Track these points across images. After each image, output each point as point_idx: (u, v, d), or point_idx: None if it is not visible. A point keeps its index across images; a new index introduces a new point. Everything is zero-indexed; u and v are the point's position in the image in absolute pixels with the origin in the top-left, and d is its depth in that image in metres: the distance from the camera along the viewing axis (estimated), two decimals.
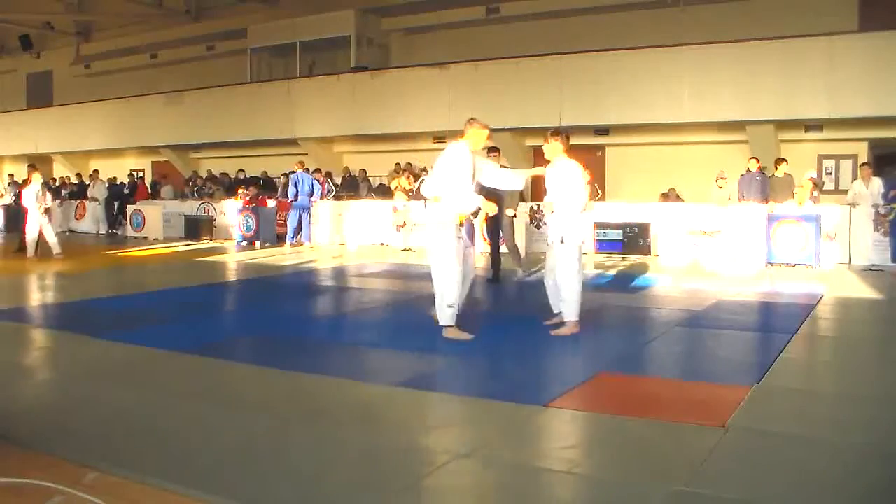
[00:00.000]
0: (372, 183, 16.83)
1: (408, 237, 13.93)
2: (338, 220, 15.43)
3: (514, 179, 6.47)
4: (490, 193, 9.06)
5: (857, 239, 11.20)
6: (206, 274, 10.82)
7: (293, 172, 14.95)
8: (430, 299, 8.37)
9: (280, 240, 15.42)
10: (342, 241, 15.22)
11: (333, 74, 17.47)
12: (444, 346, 5.65)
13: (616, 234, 12.24)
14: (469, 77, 15.50)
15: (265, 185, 17.27)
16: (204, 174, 19.58)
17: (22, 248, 12.79)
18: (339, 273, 10.74)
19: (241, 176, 18.37)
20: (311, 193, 14.60)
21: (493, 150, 9.35)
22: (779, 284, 9.21)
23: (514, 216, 9.27)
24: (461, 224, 5.78)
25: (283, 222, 15.92)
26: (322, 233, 15.35)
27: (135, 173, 20.83)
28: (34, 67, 24.20)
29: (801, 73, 12.46)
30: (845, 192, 12.16)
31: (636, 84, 13.70)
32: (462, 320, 5.77)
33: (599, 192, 13.44)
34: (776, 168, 11.91)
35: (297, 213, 14.61)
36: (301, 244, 14.72)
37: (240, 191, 16.43)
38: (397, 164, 16.72)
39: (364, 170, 17.00)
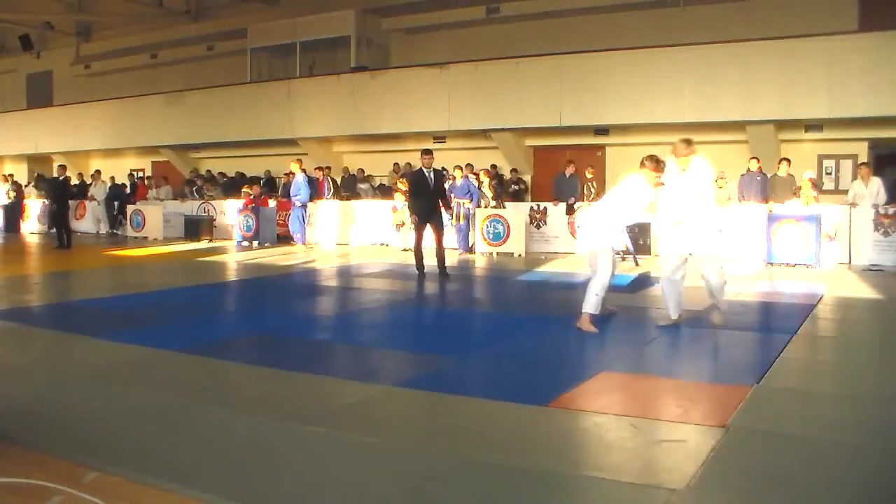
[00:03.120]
0: (372, 183, 16.83)
1: (407, 237, 13.93)
2: (341, 220, 15.49)
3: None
4: (420, 196, 9.51)
5: (857, 239, 11.19)
6: (206, 274, 10.82)
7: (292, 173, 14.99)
8: (432, 299, 8.39)
9: (281, 240, 15.47)
10: (343, 240, 15.28)
11: (333, 74, 17.44)
12: (444, 346, 5.65)
13: None
14: (469, 77, 15.49)
15: (267, 185, 17.32)
16: (204, 174, 19.57)
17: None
18: (339, 273, 10.74)
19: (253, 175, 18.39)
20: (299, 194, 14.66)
21: (426, 152, 9.83)
22: (779, 284, 9.21)
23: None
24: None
25: (282, 222, 15.94)
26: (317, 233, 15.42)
27: (134, 173, 20.82)
28: (34, 67, 24.17)
29: (801, 73, 12.44)
30: (845, 192, 12.17)
31: (636, 84, 13.69)
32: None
33: (593, 190, 13.48)
34: (778, 167, 11.93)
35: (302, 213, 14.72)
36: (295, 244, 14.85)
37: (244, 190, 16.45)
38: (396, 163, 16.72)
39: (362, 169, 16.98)
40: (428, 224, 9.71)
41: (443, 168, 12.85)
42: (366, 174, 16.85)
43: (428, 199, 9.66)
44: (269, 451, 3.31)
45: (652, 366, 5.24)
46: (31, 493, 2.77)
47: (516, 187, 15.10)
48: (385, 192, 16.00)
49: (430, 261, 9.69)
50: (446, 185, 11.67)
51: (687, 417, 3.77)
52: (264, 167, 18.49)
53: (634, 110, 13.77)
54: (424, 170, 9.71)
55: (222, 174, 19.07)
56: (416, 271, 9.70)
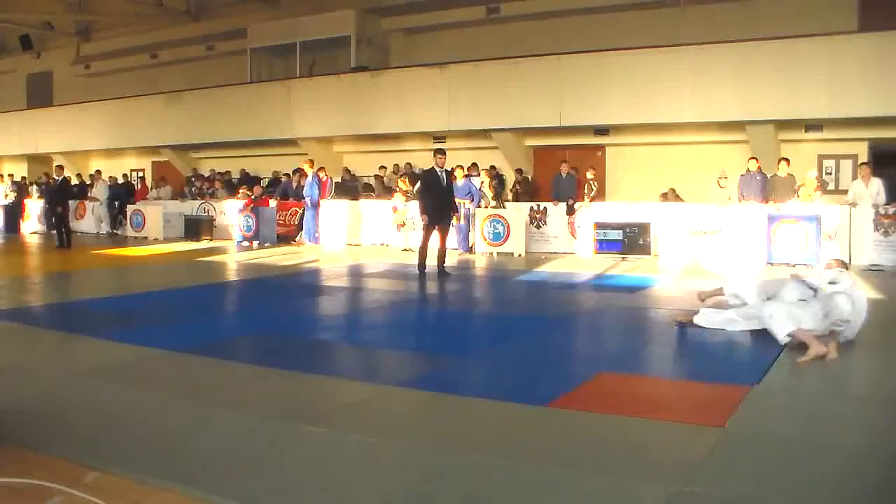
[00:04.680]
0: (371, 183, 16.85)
1: (408, 237, 13.92)
2: (341, 220, 15.51)
3: None
4: (433, 196, 9.59)
5: (858, 239, 11.19)
6: (206, 274, 10.82)
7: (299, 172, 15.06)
8: (433, 299, 8.36)
9: (281, 240, 15.49)
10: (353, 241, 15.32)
11: (333, 74, 17.46)
12: (444, 347, 5.65)
13: (616, 234, 12.24)
14: (469, 77, 15.49)
15: (274, 185, 17.34)
16: (206, 174, 19.58)
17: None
18: (339, 273, 10.74)
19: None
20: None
21: (440, 152, 9.78)
22: None
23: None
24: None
25: (282, 222, 15.94)
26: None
27: (134, 173, 20.83)
28: (34, 67, 24.19)
29: (801, 73, 12.45)
30: (845, 192, 12.17)
31: (636, 84, 13.69)
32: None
33: (594, 187, 13.51)
34: (778, 167, 11.92)
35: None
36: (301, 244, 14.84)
37: (241, 191, 16.45)
38: (395, 164, 16.72)
39: (348, 172, 17.01)
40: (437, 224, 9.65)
41: (454, 168, 12.82)
42: (354, 175, 16.90)
43: (440, 199, 9.62)
44: (269, 451, 3.31)
45: (651, 366, 5.24)
46: (31, 493, 2.77)
47: (519, 188, 15.08)
48: (384, 192, 15.98)
49: (430, 261, 9.69)
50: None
51: (687, 417, 3.77)
52: (264, 167, 18.50)
53: (634, 110, 13.77)
54: (437, 169, 9.66)
55: (220, 173, 19.07)
56: (417, 271, 9.68)
